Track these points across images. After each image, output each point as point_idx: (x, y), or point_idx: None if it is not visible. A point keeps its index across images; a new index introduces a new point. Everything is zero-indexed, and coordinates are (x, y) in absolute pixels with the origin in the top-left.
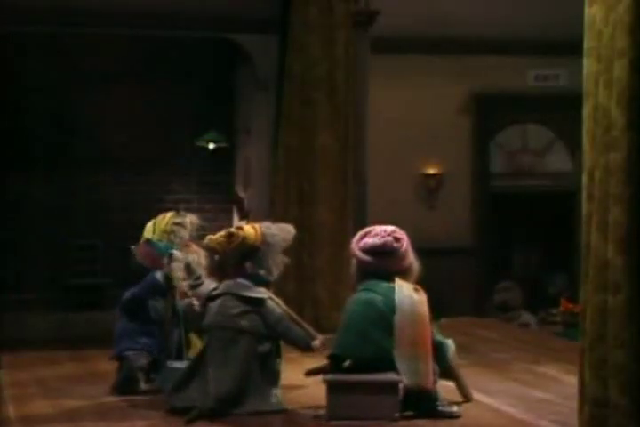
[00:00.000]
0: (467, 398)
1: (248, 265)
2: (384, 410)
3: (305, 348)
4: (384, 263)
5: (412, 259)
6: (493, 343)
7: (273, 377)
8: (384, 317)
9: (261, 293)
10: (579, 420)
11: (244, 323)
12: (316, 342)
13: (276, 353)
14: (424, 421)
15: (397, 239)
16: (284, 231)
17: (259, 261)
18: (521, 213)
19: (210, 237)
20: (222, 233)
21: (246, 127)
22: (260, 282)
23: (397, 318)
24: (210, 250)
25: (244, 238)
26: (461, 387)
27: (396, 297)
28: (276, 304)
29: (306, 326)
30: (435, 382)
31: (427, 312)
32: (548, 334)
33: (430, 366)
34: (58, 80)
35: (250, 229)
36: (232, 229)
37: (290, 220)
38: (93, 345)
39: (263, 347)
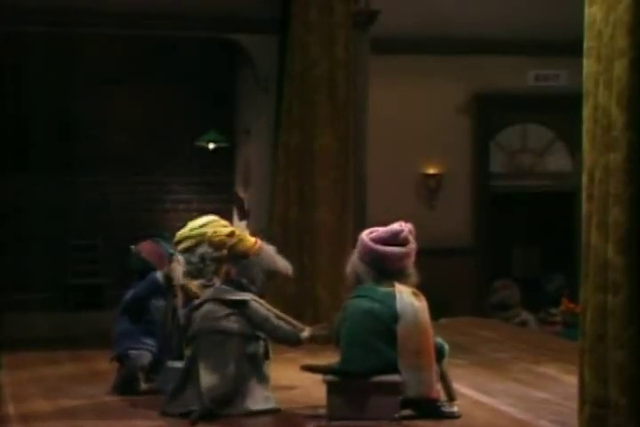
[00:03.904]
0: (450, 398)
1: (233, 271)
2: (384, 410)
3: (295, 342)
4: (393, 256)
5: (412, 264)
6: (493, 343)
7: (263, 378)
8: (386, 326)
9: (244, 295)
10: (579, 420)
11: (230, 325)
12: (305, 334)
13: (265, 355)
14: (424, 421)
15: (412, 233)
16: (281, 261)
17: (243, 270)
18: (521, 213)
19: (215, 231)
20: (227, 230)
21: (246, 127)
22: (242, 289)
23: (400, 328)
24: (212, 244)
25: (240, 241)
26: (447, 387)
27: (398, 305)
28: (259, 304)
29: (292, 321)
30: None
31: (428, 319)
32: (548, 334)
33: (434, 374)
34: (58, 80)
35: (249, 237)
36: (235, 229)
37: (290, 220)
38: (93, 345)
39: (251, 348)
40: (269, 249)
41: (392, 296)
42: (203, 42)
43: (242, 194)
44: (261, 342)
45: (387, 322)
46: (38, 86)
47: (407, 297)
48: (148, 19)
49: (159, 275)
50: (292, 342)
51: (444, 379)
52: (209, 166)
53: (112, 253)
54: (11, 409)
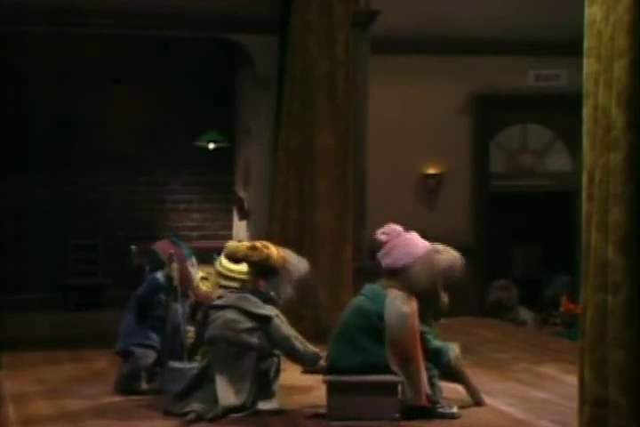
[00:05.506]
0: (477, 403)
1: (262, 284)
2: (384, 410)
3: (311, 366)
4: (378, 261)
5: (405, 262)
6: (493, 343)
7: (271, 394)
8: (375, 325)
9: (269, 310)
10: (579, 420)
11: (251, 340)
12: (322, 362)
13: (275, 373)
14: (424, 421)
15: (384, 233)
16: (300, 264)
17: (273, 284)
18: (521, 213)
19: (231, 244)
20: (246, 243)
21: (246, 127)
22: (268, 300)
23: (386, 334)
24: (229, 256)
25: (269, 257)
26: (470, 392)
27: (385, 309)
28: (282, 323)
29: (310, 345)
30: (432, 387)
31: (416, 324)
32: (547, 334)
33: (423, 381)
34: (58, 80)
35: (274, 251)
36: (257, 243)
37: (290, 220)
38: (93, 345)
39: (265, 364)
40: (290, 256)
41: (383, 297)
42: (203, 42)
43: (242, 194)
44: (275, 359)
45: (372, 319)
46: (38, 86)
47: (398, 302)
48: (148, 19)
49: (160, 275)
50: (308, 365)
51: (465, 383)
52: (209, 166)
53: (112, 253)
54: (10, 409)
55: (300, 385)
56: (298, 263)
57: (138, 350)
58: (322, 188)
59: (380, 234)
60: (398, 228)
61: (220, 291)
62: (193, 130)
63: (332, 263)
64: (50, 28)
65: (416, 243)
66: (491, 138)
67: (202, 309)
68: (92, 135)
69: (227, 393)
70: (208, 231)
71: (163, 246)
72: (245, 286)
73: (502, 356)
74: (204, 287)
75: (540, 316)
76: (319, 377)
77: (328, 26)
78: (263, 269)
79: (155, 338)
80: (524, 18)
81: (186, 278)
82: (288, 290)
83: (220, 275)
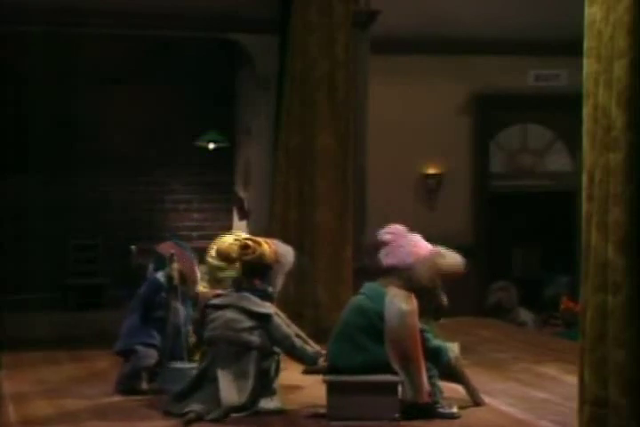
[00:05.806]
0: (476, 403)
1: (257, 281)
2: (384, 410)
3: (312, 365)
4: (376, 260)
5: (410, 262)
6: (493, 343)
7: (272, 393)
8: (375, 324)
9: (267, 308)
10: (579, 420)
11: (253, 339)
12: (322, 360)
13: (276, 371)
14: (424, 421)
15: (389, 233)
16: (288, 253)
17: (268, 279)
18: (521, 212)
19: (221, 243)
20: (237, 242)
21: (246, 127)
22: (266, 297)
23: (387, 333)
24: (222, 256)
25: (262, 256)
26: (469, 392)
27: (385, 308)
28: (281, 320)
29: (311, 342)
30: (432, 387)
31: (416, 323)
32: (547, 334)
33: (424, 378)
34: (58, 80)
35: (267, 247)
36: (249, 242)
37: (290, 220)
38: (93, 345)
39: (266, 363)
40: (279, 247)
41: (382, 295)
42: (203, 42)
43: (242, 194)
44: (275, 357)
45: (372, 318)
46: (38, 86)
47: (397, 301)
48: (147, 19)
49: (160, 274)
50: (309, 364)
51: (463, 383)
52: (209, 166)
53: (112, 253)
54: (10, 409)
55: (300, 385)
56: (287, 253)
57: (141, 349)
58: (322, 188)
59: (385, 233)
60: (402, 228)
61: (219, 290)
62: (193, 130)
63: (332, 263)
64: (50, 28)
65: (421, 244)
66: (491, 138)
67: (198, 307)
68: (92, 135)
69: (229, 393)
70: (208, 231)
71: (165, 247)
72: (242, 284)
73: (502, 356)
74: (201, 287)
75: (540, 317)
76: (319, 377)
77: (328, 26)
78: (257, 267)
79: (158, 337)
80: (524, 18)
81: (190, 278)
82: (281, 281)
83: (217, 268)
